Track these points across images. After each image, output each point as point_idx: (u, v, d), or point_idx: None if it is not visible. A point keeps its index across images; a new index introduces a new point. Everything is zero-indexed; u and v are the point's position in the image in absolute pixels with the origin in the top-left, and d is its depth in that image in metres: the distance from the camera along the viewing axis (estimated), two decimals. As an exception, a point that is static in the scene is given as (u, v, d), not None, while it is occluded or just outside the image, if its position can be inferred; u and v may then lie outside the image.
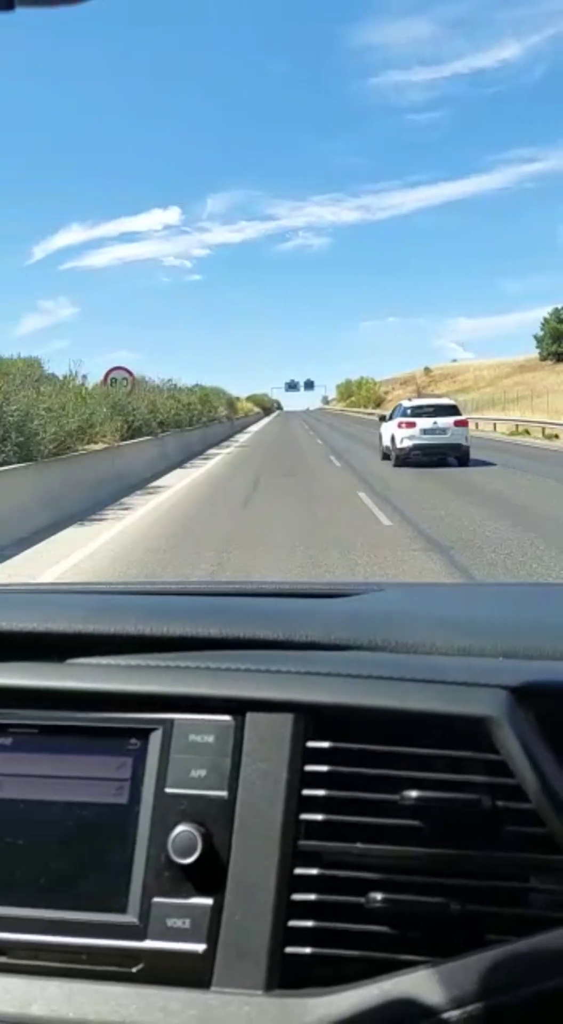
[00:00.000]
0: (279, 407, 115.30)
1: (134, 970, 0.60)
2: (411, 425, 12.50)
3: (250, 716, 0.65)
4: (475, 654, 0.72)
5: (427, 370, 73.18)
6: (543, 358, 42.75)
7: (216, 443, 20.16)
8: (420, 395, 25.54)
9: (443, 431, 12.26)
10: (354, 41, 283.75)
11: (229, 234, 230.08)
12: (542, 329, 45.76)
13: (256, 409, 64.85)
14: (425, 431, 12.33)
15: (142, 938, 0.61)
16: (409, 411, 13.07)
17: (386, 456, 13.71)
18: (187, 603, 0.91)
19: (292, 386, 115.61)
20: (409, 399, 14.88)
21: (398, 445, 12.74)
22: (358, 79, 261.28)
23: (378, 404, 50.61)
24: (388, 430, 13.77)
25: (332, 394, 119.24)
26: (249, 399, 69.36)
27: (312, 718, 0.65)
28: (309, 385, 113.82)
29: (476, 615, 0.91)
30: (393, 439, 13.06)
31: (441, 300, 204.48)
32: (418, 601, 1.01)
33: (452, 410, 13.12)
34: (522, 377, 40.68)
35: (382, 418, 15.88)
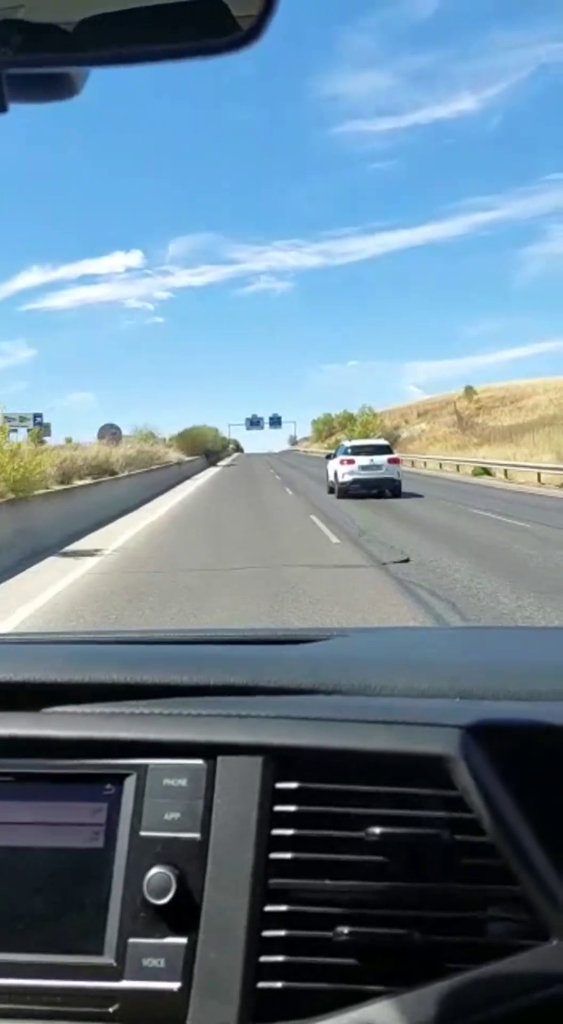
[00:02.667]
0: (238, 448, 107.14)
1: (110, 1010, 0.71)
2: (351, 462, 17.45)
3: (221, 759, 0.77)
4: (433, 695, 0.87)
5: (469, 391, 65.76)
6: None
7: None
8: (461, 425, 38.31)
9: (378, 467, 17.20)
10: (318, 91, 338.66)
11: (191, 277, 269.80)
12: None
13: (183, 458, 34.53)
14: (363, 467, 17.25)
15: (118, 978, 0.72)
16: (350, 450, 18.33)
17: (331, 490, 18.67)
18: (159, 652, 1.06)
19: (254, 423, 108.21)
20: (349, 439, 22.12)
21: (340, 479, 17.60)
22: (320, 128, 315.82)
23: (393, 442, 43.66)
24: (332, 467, 18.79)
25: (304, 432, 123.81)
26: (178, 438, 45.41)
27: (280, 760, 0.77)
28: (275, 422, 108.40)
29: (433, 658, 1.07)
30: (336, 474, 18.04)
31: (400, 344, 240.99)
32: (378, 645, 1.22)
33: (386, 449, 18.42)
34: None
35: (328, 456, 21.45)
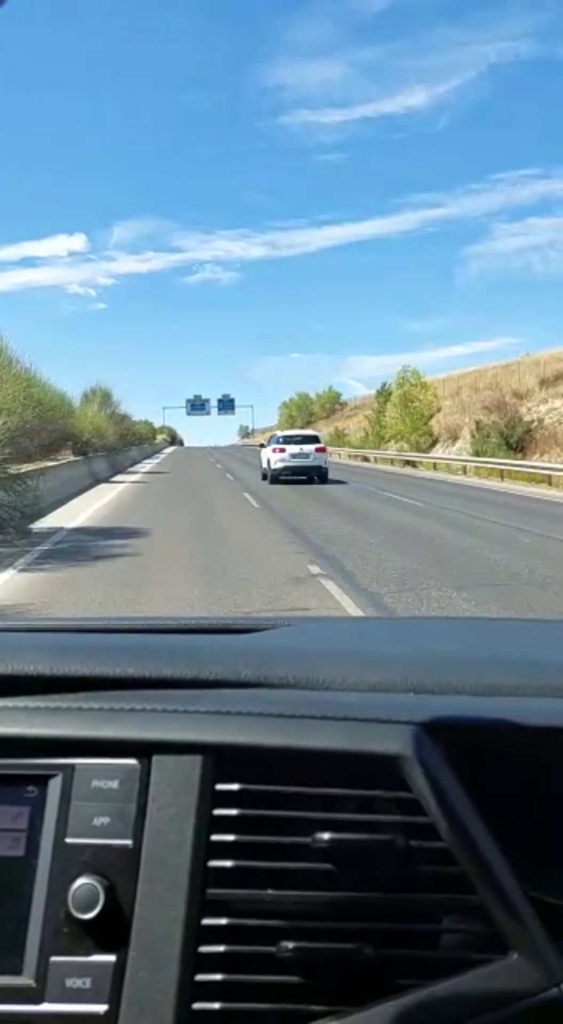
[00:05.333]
0: (174, 440, 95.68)
1: None
2: (282, 450, 23.52)
3: (156, 759, 0.76)
4: (385, 689, 0.87)
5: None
6: None
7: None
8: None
9: (307, 455, 23.31)
10: (267, 79, 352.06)
11: (136, 264, 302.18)
12: None
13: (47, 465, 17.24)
14: (293, 455, 23.25)
15: (39, 1001, 0.70)
16: (281, 439, 24.57)
17: (264, 476, 24.45)
18: (90, 640, 1.05)
19: (198, 406, 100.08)
20: (281, 431, 28.75)
21: (272, 466, 23.31)
22: (269, 116, 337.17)
23: (430, 442, 40.67)
24: (265, 454, 24.94)
25: (264, 420, 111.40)
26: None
27: (221, 760, 0.76)
28: (226, 405, 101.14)
29: (386, 650, 1.09)
30: (268, 461, 23.81)
31: (343, 338, 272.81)
32: (327, 636, 1.25)
33: (315, 439, 24.57)
34: None
35: (261, 445, 28.38)
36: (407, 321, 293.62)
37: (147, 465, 43.61)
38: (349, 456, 51.42)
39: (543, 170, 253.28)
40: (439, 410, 43.96)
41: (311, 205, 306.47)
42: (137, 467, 39.38)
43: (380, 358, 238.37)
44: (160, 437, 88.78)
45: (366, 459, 47.73)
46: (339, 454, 53.51)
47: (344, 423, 68.63)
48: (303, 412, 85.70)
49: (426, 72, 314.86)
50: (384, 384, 52.01)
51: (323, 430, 70.66)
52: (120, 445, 39.62)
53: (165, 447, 79.51)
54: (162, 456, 58.35)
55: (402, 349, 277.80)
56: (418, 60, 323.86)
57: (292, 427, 70.38)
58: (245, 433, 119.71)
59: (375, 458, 45.15)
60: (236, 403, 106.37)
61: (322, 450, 25.38)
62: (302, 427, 69.34)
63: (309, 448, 24.95)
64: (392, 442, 45.78)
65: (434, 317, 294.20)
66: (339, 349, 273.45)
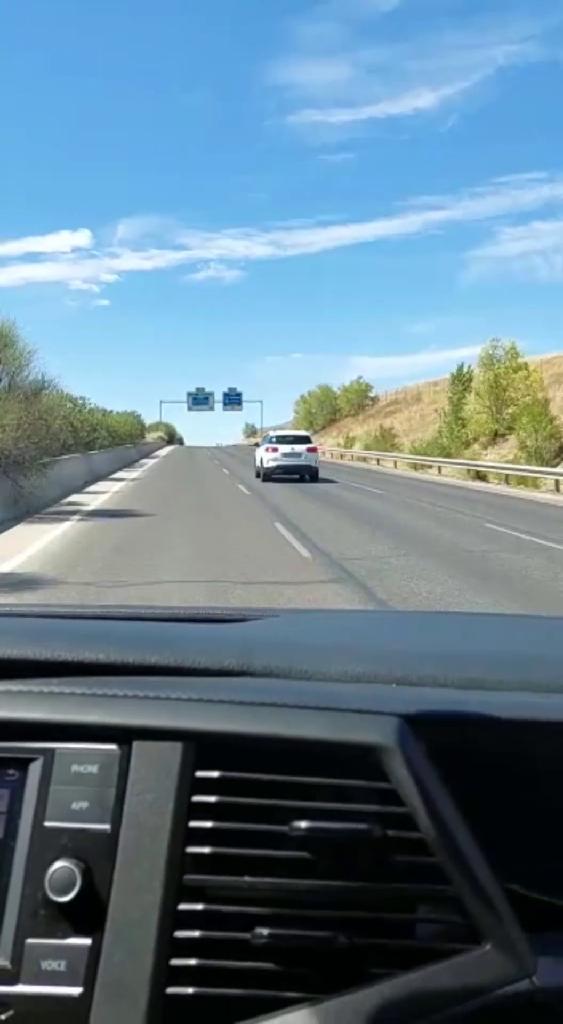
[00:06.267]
0: (171, 439, 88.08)
1: (4, 1017, 0.72)
2: (275, 450, 26.23)
3: (137, 745, 0.79)
4: (368, 681, 0.90)
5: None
6: None
7: None
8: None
9: (298, 455, 26.03)
10: (274, 78, 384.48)
11: (140, 261, 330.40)
12: None
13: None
14: (285, 455, 25.92)
15: (14, 982, 0.73)
16: (274, 439, 27.44)
17: (257, 474, 26.86)
18: (75, 626, 1.08)
19: (200, 400, 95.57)
20: (273, 432, 31.17)
21: (265, 465, 25.85)
22: (275, 116, 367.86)
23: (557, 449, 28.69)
24: (259, 453, 27.42)
25: (276, 418, 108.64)
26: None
27: (201, 747, 0.78)
28: (232, 400, 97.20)
29: (370, 642, 1.13)
30: (261, 460, 26.37)
31: (345, 339, 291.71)
32: (313, 628, 1.30)
33: (306, 439, 27.23)
34: None
35: (256, 445, 31.98)
36: (410, 323, 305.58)
37: (136, 472, 30.49)
38: (414, 467, 38.26)
39: (548, 174, 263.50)
40: (548, 402, 33.38)
41: (316, 205, 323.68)
42: (107, 482, 24.41)
43: (382, 359, 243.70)
44: (154, 435, 76.20)
45: (415, 468, 36.98)
46: (381, 460, 44.15)
47: (385, 420, 57.78)
48: (325, 407, 76.27)
49: (433, 74, 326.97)
50: (462, 366, 40.74)
51: (355, 429, 62.10)
52: (47, 446, 18.46)
53: (159, 447, 65.58)
54: (147, 466, 37.45)
55: (404, 350, 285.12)
56: (425, 62, 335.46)
57: (311, 426, 67.26)
58: (251, 432, 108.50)
59: (439, 468, 34.76)
60: (244, 398, 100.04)
61: (313, 450, 27.68)
62: (324, 426, 64.26)
63: (301, 448, 27.65)
64: (476, 446, 35.96)
65: (436, 319, 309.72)
66: (341, 349, 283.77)
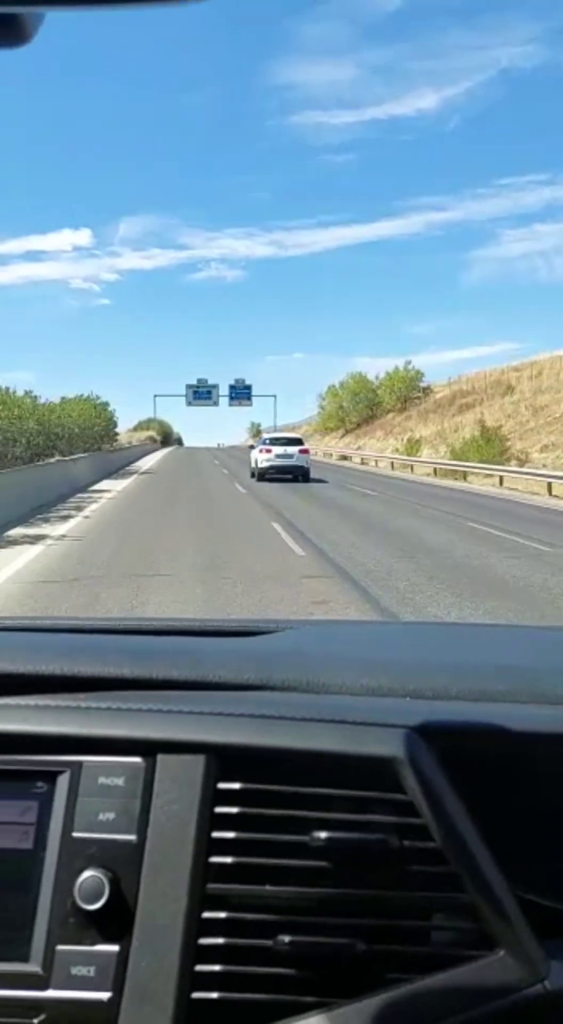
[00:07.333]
0: (166, 439, 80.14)
1: (36, 1021, 0.77)
2: (269, 451, 29.09)
3: (161, 758, 0.84)
4: (383, 694, 0.95)
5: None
6: None
7: None
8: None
9: (291, 456, 28.85)
10: (276, 78, 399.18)
11: (141, 260, 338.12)
12: None
13: None
14: (278, 456, 28.68)
15: (45, 988, 0.78)
16: (268, 441, 30.52)
17: (252, 474, 29.01)
18: (99, 642, 1.14)
19: (202, 394, 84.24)
20: (267, 434, 34.29)
21: (259, 465, 28.39)
22: (277, 116, 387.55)
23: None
24: (253, 455, 30.28)
25: (290, 415, 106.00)
26: None
27: (223, 759, 0.83)
28: (240, 393, 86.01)
29: (385, 655, 1.19)
30: (256, 461, 28.92)
31: (346, 339, 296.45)
32: (329, 641, 1.38)
33: (298, 441, 30.12)
34: None
35: (250, 446, 34.57)
36: (411, 324, 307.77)
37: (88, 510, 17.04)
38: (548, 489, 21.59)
39: (550, 176, 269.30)
40: None
41: (317, 205, 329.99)
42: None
43: (384, 360, 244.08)
44: (143, 435, 61.81)
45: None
46: (507, 482, 25.52)
47: (459, 417, 43.84)
48: (359, 402, 60.30)
49: (436, 75, 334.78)
50: None
51: (417, 429, 47.09)
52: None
53: (147, 452, 52.11)
54: (96, 504, 19.14)
55: (405, 351, 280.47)
56: (428, 62, 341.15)
57: (342, 424, 60.96)
58: (256, 431, 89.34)
59: None
60: (254, 392, 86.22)
61: (305, 451, 29.61)
62: (360, 424, 56.68)
63: (293, 450, 30.14)
64: None
65: (437, 320, 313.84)
66: (342, 350, 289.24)
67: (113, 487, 24.07)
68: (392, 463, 39.28)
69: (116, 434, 40.45)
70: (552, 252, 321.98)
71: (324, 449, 56.61)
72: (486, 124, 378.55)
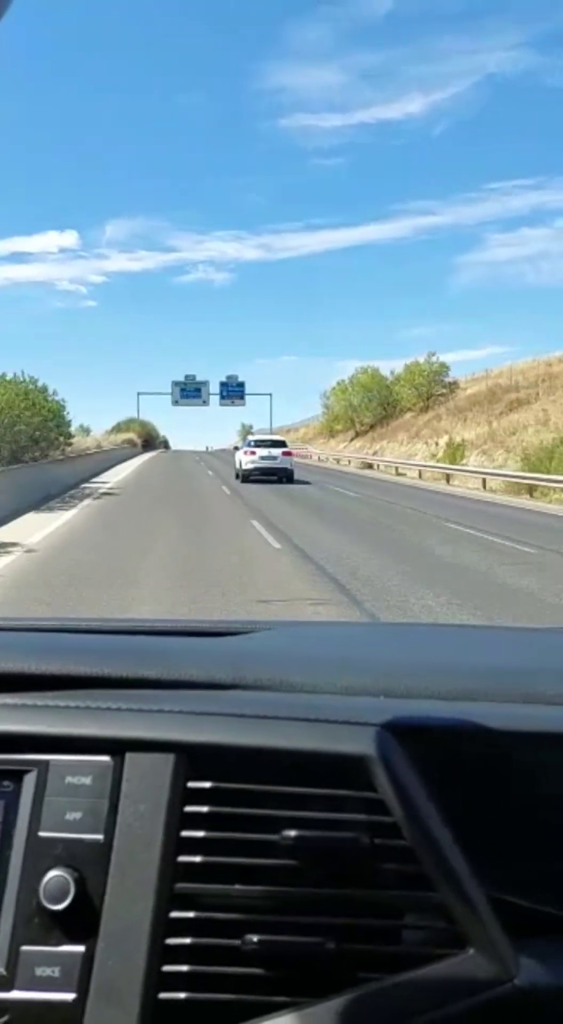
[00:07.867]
0: (151, 442, 73.08)
1: (0, 1021, 0.74)
2: (253, 453, 30.70)
3: (129, 756, 0.84)
4: (356, 693, 0.96)
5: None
6: None
7: None
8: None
9: (274, 458, 30.49)
10: (266, 81, 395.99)
11: (128, 262, 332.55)
12: None
13: None
14: (262, 457, 30.23)
15: (9, 988, 0.77)
16: (252, 443, 32.25)
17: (237, 476, 30.29)
18: (69, 640, 1.14)
19: (190, 392, 79.45)
20: (252, 437, 35.67)
21: (243, 467, 29.82)
22: (267, 119, 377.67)
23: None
24: (238, 456, 31.83)
25: (289, 415, 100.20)
26: None
27: (193, 758, 0.83)
28: (232, 391, 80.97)
29: (359, 655, 1.20)
30: (240, 463, 30.37)
31: (335, 342, 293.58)
32: (304, 641, 1.38)
33: (282, 444, 31.93)
34: None
35: (235, 448, 36.01)
36: (400, 328, 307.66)
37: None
38: None
39: (537, 181, 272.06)
40: None
41: (307, 209, 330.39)
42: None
43: (372, 362, 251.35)
44: (118, 439, 54.87)
45: None
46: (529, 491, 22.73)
47: (515, 416, 37.74)
48: (373, 399, 55.27)
49: (425, 79, 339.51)
50: None
51: (459, 432, 39.04)
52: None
53: (126, 458, 46.30)
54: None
55: (392, 355, 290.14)
56: (417, 67, 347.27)
57: (353, 425, 57.54)
58: (246, 433, 79.64)
59: None
60: (247, 390, 79.13)
61: (288, 454, 30.76)
62: (375, 424, 53.65)
63: (277, 452, 31.54)
64: None
65: (424, 325, 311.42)
66: (332, 353, 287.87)
67: (26, 531, 14.77)
68: (422, 473, 33.90)
69: (71, 435, 31.87)
70: (538, 256, 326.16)
71: (332, 454, 50.55)
72: (474, 128, 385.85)
